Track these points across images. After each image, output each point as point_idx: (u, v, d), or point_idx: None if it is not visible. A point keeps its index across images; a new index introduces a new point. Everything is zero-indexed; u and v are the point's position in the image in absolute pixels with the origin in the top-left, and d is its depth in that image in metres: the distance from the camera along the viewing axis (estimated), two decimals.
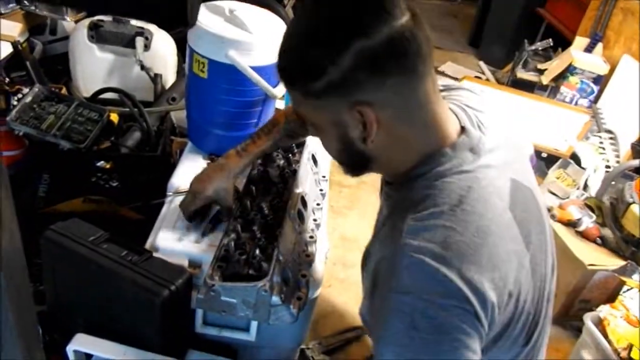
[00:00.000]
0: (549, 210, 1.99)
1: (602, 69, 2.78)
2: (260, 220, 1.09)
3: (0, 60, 1.71)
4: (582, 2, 3.11)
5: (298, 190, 1.16)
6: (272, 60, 1.26)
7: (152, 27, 1.88)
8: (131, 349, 1.01)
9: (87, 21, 1.87)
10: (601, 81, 2.80)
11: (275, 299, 0.95)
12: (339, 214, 2.21)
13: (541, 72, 3.07)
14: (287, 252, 1.02)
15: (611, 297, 1.78)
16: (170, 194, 1.24)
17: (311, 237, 1.13)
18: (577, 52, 2.89)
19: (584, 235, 1.94)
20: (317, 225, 1.19)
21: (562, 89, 2.87)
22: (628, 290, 1.67)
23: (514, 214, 0.78)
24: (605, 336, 1.52)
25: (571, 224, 1.97)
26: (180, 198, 1.17)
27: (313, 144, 1.31)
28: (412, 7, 0.72)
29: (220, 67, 1.20)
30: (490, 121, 0.85)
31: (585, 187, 2.24)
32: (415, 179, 0.79)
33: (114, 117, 1.67)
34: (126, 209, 1.47)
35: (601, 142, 2.57)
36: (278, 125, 1.14)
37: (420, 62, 0.72)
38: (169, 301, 0.97)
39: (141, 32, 1.86)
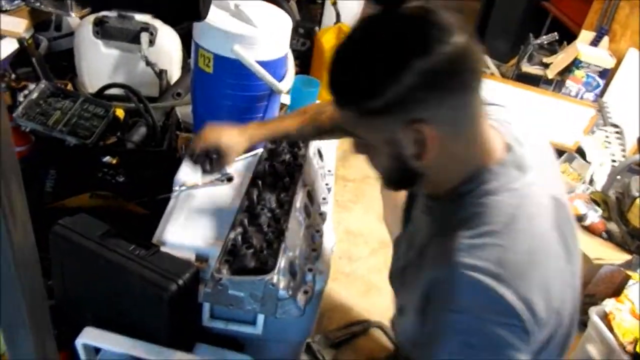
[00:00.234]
0: None
1: (608, 62, 2.76)
2: (267, 215, 1.09)
3: (6, 56, 1.72)
4: None
5: (304, 185, 1.16)
6: (277, 54, 1.27)
7: (156, 23, 1.88)
8: (139, 342, 1.01)
9: (92, 17, 1.87)
10: (607, 75, 2.78)
11: (282, 292, 0.95)
12: (344, 208, 2.21)
13: (546, 66, 3.05)
14: (294, 246, 1.03)
15: (617, 291, 1.77)
16: (177, 189, 1.25)
17: (317, 230, 1.13)
18: (582, 46, 2.87)
19: (589, 229, 1.93)
20: (323, 219, 1.19)
21: (568, 82, 2.85)
22: (634, 284, 1.66)
23: (558, 232, 0.80)
24: (611, 330, 1.52)
25: (577, 219, 1.96)
26: (186, 193, 1.17)
27: None
28: (465, 23, 0.72)
29: (226, 61, 1.21)
30: (524, 133, 0.86)
31: (591, 181, 2.23)
32: (462, 195, 0.79)
33: (120, 113, 1.68)
34: (132, 204, 1.47)
35: (607, 136, 2.56)
36: (306, 114, 1.14)
37: (475, 79, 0.73)
38: (176, 295, 0.97)
39: (146, 27, 1.86)
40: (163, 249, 1.06)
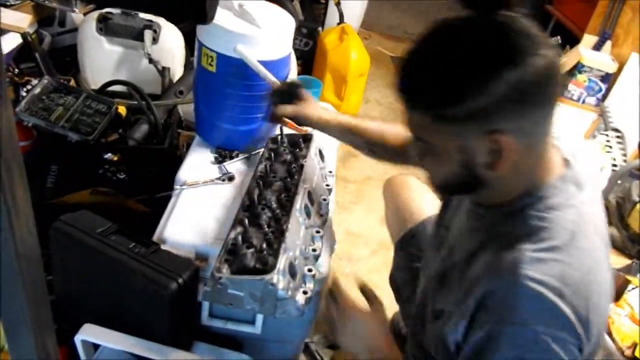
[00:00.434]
0: None
1: (611, 67, 2.76)
2: (267, 215, 1.09)
3: (9, 51, 1.72)
4: None
5: (305, 185, 1.16)
6: (280, 54, 1.27)
7: (160, 21, 1.88)
8: (138, 340, 1.02)
9: (95, 14, 1.88)
10: (609, 79, 2.78)
11: (282, 292, 0.95)
12: (344, 209, 2.21)
13: None
14: (294, 246, 1.03)
15: (616, 296, 1.77)
16: (178, 187, 1.25)
17: (317, 231, 1.13)
18: (585, 50, 2.87)
19: None
20: (324, 220, 1.19)
21: (570, 86, 2.85)
22: (633, 289, 1.66)
23: (607, 251, 0.81)
24: (610, 335, 1.52)
25: None
26: (187, 192, 1.17)
27: (320, 139, 1.32)
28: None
29: (229, 61, 1.21)
30: (575, 148, 0.86)
31: None
32: (522, 208, 0.78)
33: (122, 110, 1.68)
34: (133, 201, 1.47)
35: (608, 141, 2.56)
36: (378, 127, 1.17)
37: (558, 93, 0.74)
38: (176, 293, 0.97)
39: (149, 25, 1.86)
40: (163, 247, 1.07)
